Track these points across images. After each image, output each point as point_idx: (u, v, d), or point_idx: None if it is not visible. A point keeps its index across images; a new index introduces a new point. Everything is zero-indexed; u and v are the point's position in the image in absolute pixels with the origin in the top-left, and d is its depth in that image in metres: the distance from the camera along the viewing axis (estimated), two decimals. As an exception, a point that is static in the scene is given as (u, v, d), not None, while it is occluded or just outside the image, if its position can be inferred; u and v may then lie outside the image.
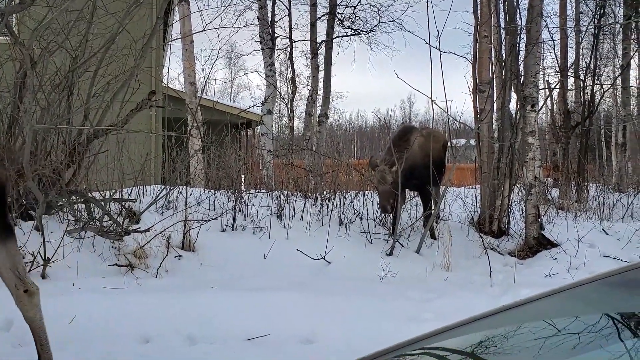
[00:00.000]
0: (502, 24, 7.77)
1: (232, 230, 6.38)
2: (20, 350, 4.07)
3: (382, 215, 6.87)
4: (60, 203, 5.99)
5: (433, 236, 6.96)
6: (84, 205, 6.10)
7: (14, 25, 6.73)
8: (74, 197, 6.01)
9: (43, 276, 5.00)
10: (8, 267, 3.07)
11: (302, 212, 6.97)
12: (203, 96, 11.17)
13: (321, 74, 12.80)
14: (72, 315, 4.29)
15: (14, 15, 6.33)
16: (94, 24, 6.26)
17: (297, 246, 6.04)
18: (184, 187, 6.57)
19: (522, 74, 7.59)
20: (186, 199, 6.22)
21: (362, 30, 14.08)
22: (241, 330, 4.47)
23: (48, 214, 5.90)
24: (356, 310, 4.88)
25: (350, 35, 14.09)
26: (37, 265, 5.03)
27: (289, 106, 15.56)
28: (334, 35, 13.21)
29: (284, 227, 6.55)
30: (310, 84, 13.05)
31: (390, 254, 6.31)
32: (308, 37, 13.44)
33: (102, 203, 5.86)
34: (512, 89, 7.72)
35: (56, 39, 6.12)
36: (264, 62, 11.51)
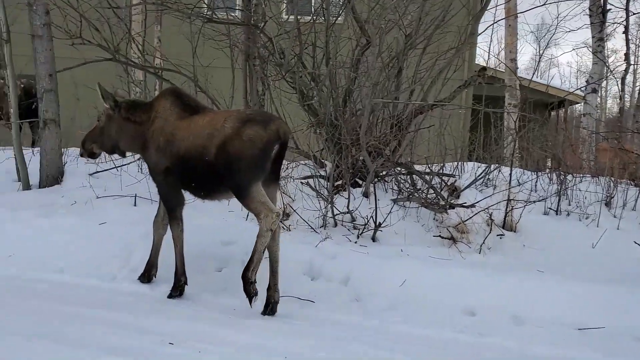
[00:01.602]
0: None
1: (556, 214, 6.00)
2: (356, 305, 4.47)
3: None
4: (385, 172, 6.36)
5: None
6: (407, 177, 6.37)
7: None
8: (399, 168, 6.32)
9: (373, 239, 5.39)
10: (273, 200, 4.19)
11: (635, 202, 6.22)
12: (520, 75, 10.70)
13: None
14: (403, 278, 4.54)
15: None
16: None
17: (632, 238, 5.43)
18: (506, 166, 6.37)
19: None
20: (510, 179, 6.04)
21: None
22: (570, 318, 4.21)
23: (373, 182, 6.32)
24: None
25: None
26: (368, 229, 5.43)
27: (619, 84, 13.94)
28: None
29: (614, 217, 5.95)
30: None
31: None
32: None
33: (427, 176, 6.03)
34: None
35: (392, 18, 6.45)
36: (592, 37, 10.50)
